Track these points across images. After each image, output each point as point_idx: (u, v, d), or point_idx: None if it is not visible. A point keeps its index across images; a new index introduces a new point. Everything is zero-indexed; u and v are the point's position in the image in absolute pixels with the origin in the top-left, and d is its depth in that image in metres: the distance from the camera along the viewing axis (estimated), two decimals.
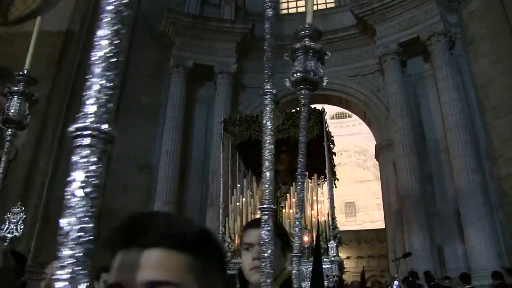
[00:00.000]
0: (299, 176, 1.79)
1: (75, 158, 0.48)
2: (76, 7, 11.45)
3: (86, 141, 0.48)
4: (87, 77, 0.50)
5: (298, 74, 1.66)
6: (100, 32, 0.52)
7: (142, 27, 12.90)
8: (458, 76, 11.57)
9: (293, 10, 15.84)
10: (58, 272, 0.44)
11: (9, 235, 2.03)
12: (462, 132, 10.61)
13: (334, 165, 9.17)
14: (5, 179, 1.88)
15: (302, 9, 15.32)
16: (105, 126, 0.49)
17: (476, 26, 11.76)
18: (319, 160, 7.69)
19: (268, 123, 1.31)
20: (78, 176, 0.47)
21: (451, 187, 10.75)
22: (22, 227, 2.08)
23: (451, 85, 11.16)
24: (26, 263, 2.38)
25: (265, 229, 1.22)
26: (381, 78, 12.99)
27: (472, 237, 9.69)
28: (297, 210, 1.83)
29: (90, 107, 0.49)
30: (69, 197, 0.47)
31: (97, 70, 0.50)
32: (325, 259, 6.46)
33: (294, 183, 7.82)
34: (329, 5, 15.29)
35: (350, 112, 17.52)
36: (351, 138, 22.77)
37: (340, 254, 7.55)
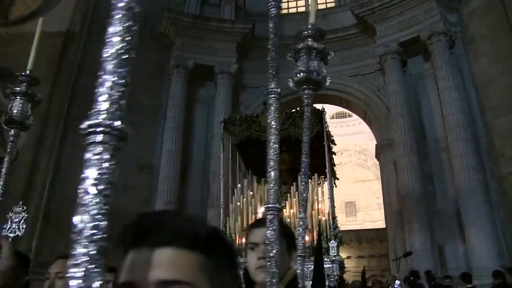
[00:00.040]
0: (303, 176, 1.78)
1: (87, 155, 0.47)
2: (76, 8, 11.43)
3: (99, 138, 0.48)
4: (99, 74, 0.50)
5: (302, 74, 1.66)
6: (111, 29, 0.52)
7: (142, 28, 12.89)
8: (458, 76, 11.57)
9: (293, 10, 15.84)
10: (72, 270, 0.44)
11: (11, 235, 2.02)
12: (462, 131, 10.61)
13: (334, 165, 9.18)
14: (6, 185, 1.88)
15: (302, 9, 15.35)
16: (118, 123, 0.48)
17: (476, 25, 11.76)
18: (319, 159, 7.69)
19: (273, 123, 1.31)
20: (91, 173, 0.47)
21: (452, 187, 10.75)
22: (24, 226, 2.08)
23: (451, 85, 11.16)
24: (29, 263, 2.38)
25: (270, 228, 1.21)
26: (381, 77, 12.99)
27: (473, 236, 9.69)
28: (301, 209, 1.82)
29: (103, 104, 0.49)
30: (82, 194, 0.46)
31: (109, 67, 0.50)
32: (326, 259, 6.46)
33: (294, 183, 7.83)
34: (329, 5, 15.29)
35: (350, 112, 17.52)
36: (352, 137, 22.78)
37: (340, 254, 7.57)
